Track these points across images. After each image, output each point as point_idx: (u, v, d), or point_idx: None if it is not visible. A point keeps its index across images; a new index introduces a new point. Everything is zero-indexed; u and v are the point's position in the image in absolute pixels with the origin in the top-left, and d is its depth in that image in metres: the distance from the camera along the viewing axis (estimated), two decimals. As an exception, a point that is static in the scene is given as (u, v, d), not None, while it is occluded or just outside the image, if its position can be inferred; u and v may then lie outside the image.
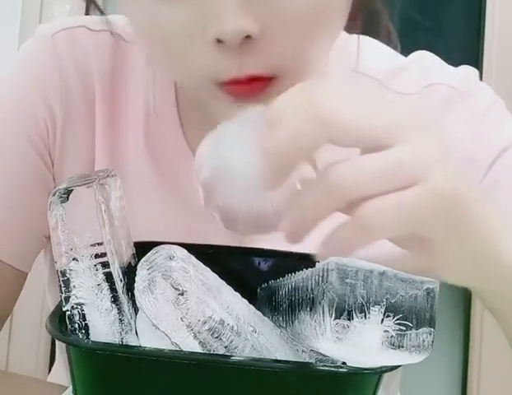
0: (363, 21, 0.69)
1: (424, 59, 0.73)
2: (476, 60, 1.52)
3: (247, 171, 0.43)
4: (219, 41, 0.50)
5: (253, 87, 0.52)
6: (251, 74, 0.51)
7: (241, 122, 0.45)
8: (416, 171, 0.39)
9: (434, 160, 0.40)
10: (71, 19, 0.73)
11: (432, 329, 0.41)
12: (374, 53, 0.73)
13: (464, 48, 1.59)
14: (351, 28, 0.72)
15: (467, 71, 0.72)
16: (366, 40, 0.73)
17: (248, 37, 0.49)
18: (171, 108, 0.69)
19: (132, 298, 0.48)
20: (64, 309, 0.46)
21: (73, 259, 0.46)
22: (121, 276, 0.48)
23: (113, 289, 0.46)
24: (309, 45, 0.53)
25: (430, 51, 0.75)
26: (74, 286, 0.46)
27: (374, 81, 0.71)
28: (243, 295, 0.51)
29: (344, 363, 0.43)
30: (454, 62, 0.73)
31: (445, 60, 0.74)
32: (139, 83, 0.69)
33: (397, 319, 0.41)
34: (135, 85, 0.69)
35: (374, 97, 0.43)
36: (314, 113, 0.39)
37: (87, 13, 1.70)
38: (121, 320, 0.47)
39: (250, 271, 0.57)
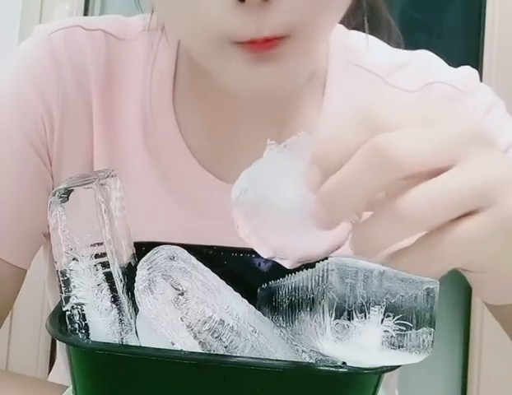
0: (363, 16, 0.70)
1: (424, 57, 0.73)
2: (476, 60, 1.52)
3: (293, 203, 0.42)
4: (240, 0, 0.50)
5: (269, 45, 0.53)
6: (269, 35, 0.52)
7: (290, 148, 0.44)
8: (486, 193, 0.37)
9: (504, 178, 0.38)
10: (67, 19, 0.73)
11: (432, 329, 0.41)
12: (375, 48, 0.73)
13: (464, 48, 1.59)
14: (351, 23, 0.72)
15: (468, 71, 0.72)
16: (367, 36, 0.73)
17: None
18: (168, 106, 0.69)
19: (132, 298, 0.48)
20: (64, 309, 0.46)
21: (73, 259, 0.46)
22: (121, 276, 0.48)
23: (113, 289, 0.46)
24: (320, 9, 0.54)
25: (430, 51, 0.75)
26: (74, 286, 0.46)
27: (375, 76, 0.71)
28: (243, 295, 0.51)
29: (344, 363, 0.43)
30: (454, 62, 0.73)
31: (445, 60, 0.74)
32: (135, 81, 0.69)
33: (397, 319, 0.41)
34: (131, 82, 0.69)
35: (431, 115, 0.40)
36: (381, 157, 0.37)
37: (86, 14, 1.71)
38: (121, 320, 0.47)
39: (250, 272, 0.57)
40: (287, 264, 0.45)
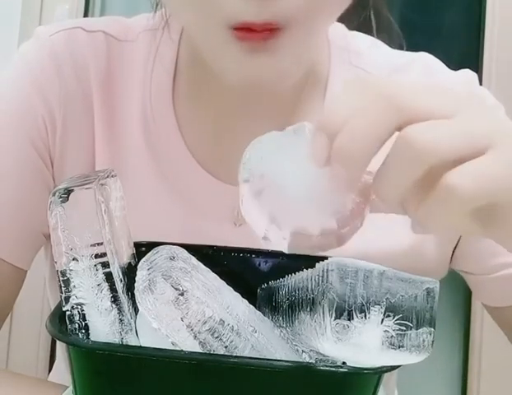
0: (366, 17, 0.70)
1: (425, 59, 0.73)
2: (476, 60, 1.52)
3: (300, 179, 0.42)
4: None
5: (265, 36, 0.53)
6: (267, 20, 0.52)
7: (293, 131, 0.44)
8: (486, 140, 0.39)
9: (499, 129, 0.40)
10: (67, 21, 0.74)
11: (432, 329, 0.41)
12: (376, 49, 0.73)
13: (464, 48, 1.59)
14: (352, 23, 0.72)
15: (467, 75, 0.72)
16: (367, 37, 0.73)
17: None
18: (168, 106, 0.69)
19: (132, 298, 0.48)
20: (64, 309, 0.46)
21: (73, 259, 0.46)
22: (121, 276, 0.48)
23: (113, 289, 0.46)
24: (321, 2, 0.54)
25: (430, 51, 0.75)
26: (74, 286, 0.46)
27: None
28: (243, 296, 0.51)
29: (344, 363, 0.43)
30: (454, 62, 0.73)
31: (445, 61, 0.74)
32: (136, 81, 0.70)
33: (397, 319, 0.41)
34: (132, 83, 0.70)
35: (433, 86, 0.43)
36: (387, 102, 0.39)
37: (86, 14, 1.71)
38: (121, 320, 0.47)
39: (250, 272, 0.57)
40: (284, 245, 0.44)
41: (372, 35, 0.74)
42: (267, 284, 0.54)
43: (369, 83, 0.41)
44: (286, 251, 0.42)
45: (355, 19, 0.70)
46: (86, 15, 1.68)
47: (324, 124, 0.41)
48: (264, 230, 0.43)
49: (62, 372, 0.81)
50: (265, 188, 0.42)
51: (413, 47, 0.75)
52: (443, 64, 0.73)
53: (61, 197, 0.46)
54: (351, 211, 0.42)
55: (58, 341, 0.86)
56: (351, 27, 0.74)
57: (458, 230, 0.45)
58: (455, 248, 0.70)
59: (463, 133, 0.38)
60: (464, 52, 1.57)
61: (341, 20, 0.61)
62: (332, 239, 0.42)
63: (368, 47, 0.72)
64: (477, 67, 1.48)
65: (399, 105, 0.39)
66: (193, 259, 0.49)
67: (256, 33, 0.53)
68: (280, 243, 0.42)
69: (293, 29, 0.54)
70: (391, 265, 0.42)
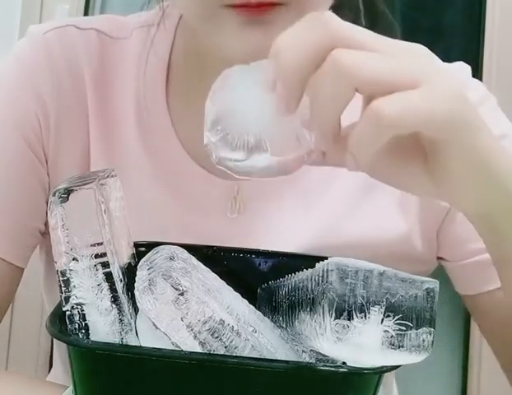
0: (362, 12, 0.70)
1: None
2: (476, 60, 1.52)
3: (263, 102, 0.44)
4: None
5: (262, 11, 0.55)
6: (262, 0, 0.54)
7: (253, 67, 0.46)
8: (415, 74, 0.42)
9: (430, 68, 0.43)
10: (60, 20, 0.74)
11: (432, 329, 0.41)
12: None
13: (464, 48, 1.59)
14: (349, 20, 0.72)
15: (461, 66, 0.73)
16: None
17: None
18: (161, 101, 0.69)
19: (132, 298, 0.48)
20: (64, 309, 0.46)
21: (73, 259, 0.46)
22: (121, 276, 0.48)
23: (113, 289, 0.46)
24: None
25: (430, 51, 0.75)
26: (74, 286, 0.46)
27: None
28: (243, 296, 0.51)
29: (344, 363, 0.43)
30: (454, 62, 0.74)
31: (445, 60, 0.74)
32: (129, 77, 0.70)
33: (397, 319, 0.41)
34: (126, 79, 0.70)
35: None
36: (323, 26, 0.42)
37: (86, 14, 1.71)
38: (121, 320, 0.47)
39: (250, 272, 0.57)
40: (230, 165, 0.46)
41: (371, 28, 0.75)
42: (267, 284, 0.54)
43: (315, 16, 0.44)
44: (234, 172, 0.45)
45: (352, 16, 0.70)
46: (86, 15, 1.68)
47: (272, 49, 0.44)
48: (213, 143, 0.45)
49: (61, 372, 0.81)
50: (225, 114, 0.45)
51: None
52: (436, 57, 0.74)
53: (61, 197, 0.46)
54: (297, 139, 0.45)
55: (55, 346, 0.86)
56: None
57: (409, 183, 0.48)
58: (438, 235, 0.70)
59: (392, 65, 0.42)
60: (464, 52, 1.57)
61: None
62: (274, 164, 0.45)
63: None
64: (477, 67, 1.48)
65: (334, 30, 0.42)
66: (193, 259, 0.49)
67: (253, 9, 0.54)
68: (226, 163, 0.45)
69: (291, 5, 0.55)
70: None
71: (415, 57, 0.44)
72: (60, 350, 0.82)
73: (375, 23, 0.73)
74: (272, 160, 0.45)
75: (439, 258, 0.72)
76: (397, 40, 0.45)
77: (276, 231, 0.67)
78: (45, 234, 0.70)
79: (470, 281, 0.70)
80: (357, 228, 0.67)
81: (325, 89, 0.42)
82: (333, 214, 0.67)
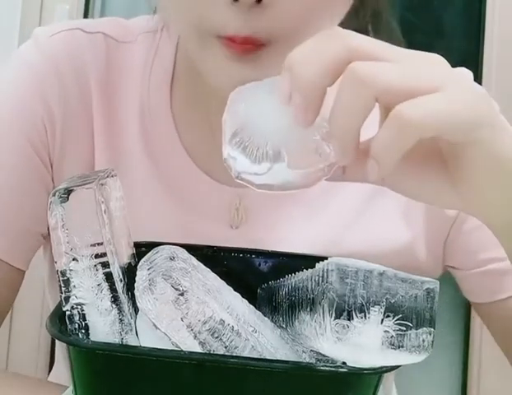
0: (365, 19, 0.70)
1: None
2: (476, 60, 1.52)
3: (273, 121, 0.44)
4: (235, 0, 0.52)
5: (245, 49, 0.55)
6: (248, 35, 0.54)
7: (267, 82, 0.46)
8: (435, 80, 0.42)
9: (448, 76, 0.43)
10: (66, 22, 0.74)
11: (432, 329, 0.41)
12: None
13: (464, 48, 1.59)
14: (351, 25, 0.72)
15: (463, 69, 0.73)
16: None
17: (259, 1, 0.53)
18: (166, 106, 0.69)
19: (132, 298, 0.48)
20: (64, 309, 0.46)
21: (73, 259, 0.46)
22: (121, 276, 0.48)
23: (113, 289, 0.46)
24: (311, 19, 0.56)
25: (430, 51, 0.75)
26: (74, 286, 0.46)
27: None
28: (243, 296, 0.51)
29: (344, 363, 0.43)
30: (454, 62, 0.73)
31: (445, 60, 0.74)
32: (134, 83, 0.70)
33: (397, 319, 0.41)
34: (131, 84, 0.70)
35: None
36: (340, 39, 0.43)
37: (86, 14, 1.70)
38: (121, 320, 0.47)
39: (250, 272, 0.57)
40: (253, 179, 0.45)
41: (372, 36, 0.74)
42: (267, 284, 0.54)
43: (330, 31, 0.44)
44: (254, 186, 0.45)
45: (354, 20, 0.70)
46: (86, 15, 1.68)
47: (285, 64, 0.44)
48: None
49: (62, 372, 0.81)
50: (243, 128, 0.45)
51: (413, 47, 0.75)
52: None
53: (61, 197, 0.46)
54: (316, 152, 0.44)
55: (57, 342, 0.86)
56: (350, 28, 0.74)
57: (432, 195, 0.47)
58: (445, 245, 0.70)
59: (412, 72, 0.42)
60: (464, 52, 1.57)
61: (341, 21, 0.61)
62: (295, 177, 0.44)
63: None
64: (477, 67, 1.48)
65: (350, 43, 0.42)
66: (193, 259, 0.49)
67: (237, 44, 0.54)
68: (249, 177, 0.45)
69: (278, 44, 0.55)
70: (384, 264, 0.42)
71: (433, 64, 0.45)
72: (62, 346, 0.82)
73: (379, 31, 0.73)
74: (292, 173, 0.44)
75: (448, 266, 0.72)
76: (413, 51, 0.45)
77: (278, 241, 0.67)
78: (48, 236, 0.70)
79: (481, 290, 0.70)
80: (360, 238, 0.67)
81: (345, 99, 0.42)
82: (336, 224, 0.67)
